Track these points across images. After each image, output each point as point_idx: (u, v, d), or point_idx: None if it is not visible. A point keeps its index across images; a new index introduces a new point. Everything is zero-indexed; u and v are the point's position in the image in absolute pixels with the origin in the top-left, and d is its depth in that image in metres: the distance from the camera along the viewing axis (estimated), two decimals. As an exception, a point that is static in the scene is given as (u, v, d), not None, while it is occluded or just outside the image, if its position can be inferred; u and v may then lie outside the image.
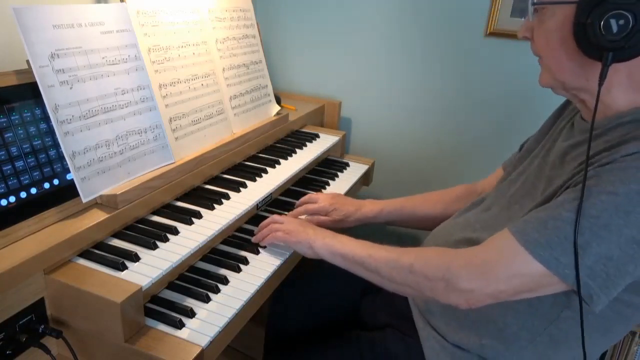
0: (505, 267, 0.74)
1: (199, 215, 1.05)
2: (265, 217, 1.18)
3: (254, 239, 1.10)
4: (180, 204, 1.10)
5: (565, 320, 0.79)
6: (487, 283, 0.75)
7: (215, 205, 1.10)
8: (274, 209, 1.26)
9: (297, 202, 1.24)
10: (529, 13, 0.80)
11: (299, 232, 1.01)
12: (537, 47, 0.80)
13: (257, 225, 1.18)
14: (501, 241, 0.76)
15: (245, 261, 1.04)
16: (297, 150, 1.46)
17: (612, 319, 0.79)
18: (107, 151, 0.97)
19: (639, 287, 0.73)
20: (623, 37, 0.67)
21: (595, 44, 0.69)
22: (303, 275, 1.25)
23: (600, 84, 0.70)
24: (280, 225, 1.06)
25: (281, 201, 1.32)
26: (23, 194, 0.85)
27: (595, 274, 0.69)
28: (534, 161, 0.90)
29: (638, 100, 0.74)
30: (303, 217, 1.20)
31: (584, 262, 0.68)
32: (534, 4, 0.77)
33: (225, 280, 0.97)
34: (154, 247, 0.93)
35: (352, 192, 1.48)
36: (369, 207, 1.21)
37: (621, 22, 0.66)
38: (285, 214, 1.18)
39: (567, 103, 0.96)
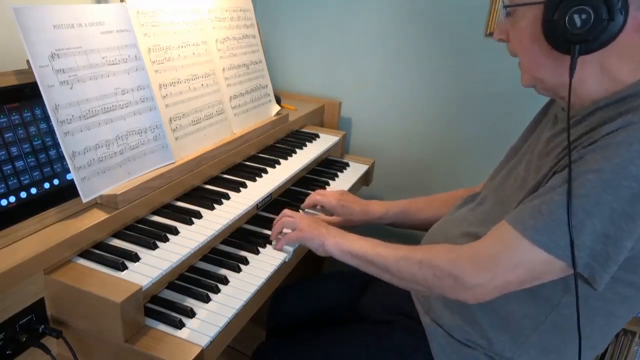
0: (509, 256, 0.76)
1: (199, 215, 1.05)
2: (266, 217, 1.19)
3: (271, 237, 1.11)
4: (180, 204, 1.10)
5: (566, 306, 0.80)
6: (494, 275, 0.77)
7: (215, 205, 1.10)
8: (274, 209, 1.26)
9: (309, 196, 1.26)
10: (502, 16, 0.84)
11: (311, 228, 1.03)
12: (513, 48, 0.85)
13: (257, 225, 1.19)
14: (501, 232, 0.78)
15: (245, 261, 1.04)
16: (297, 150, 1.46)
17: (613, 301, 0.80)
18: (107, 151, 0.97)
19: (635, 264, 0.75)
20: (587, 30, 0.72)
21: (563, 38, 0.74)
22: (303, 276, 1.26)
23: (571, 75, 0.75)
24: (292, 220, 1.08)
25: (281, 201, 1.31)
26: (23, 194, 0.85)
27: (596, 254, 0.70)
28: (523, 157, 0.92)
29: (610, 87, 0.77)
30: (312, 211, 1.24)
31: (583, 243, 0.70)
32: (505, 6, 0.82)
33: (225, 280, 0.97)
34: (154, 247, 0.93)
35: (352, 192, 1.48)
36: (375, 208, 1.23)
37: (583, 16, 0.71)
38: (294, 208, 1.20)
39: (551, 102, 0.98)
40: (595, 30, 0.71)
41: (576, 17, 0.72)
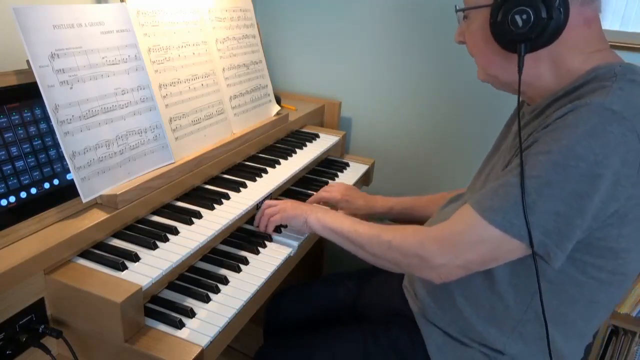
0: (469, 236, 0.79)
1: (199, 215, 1.05)
2: (265, 217, 1.19)
3: (255, 227, 1.15)
4: (180, 204, 1.10)
5: (544, 294, 0.81)
6: (456, 255, 0.81)
7: (215, 205, 1.10)
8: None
9: (316, 194, 1.30)
10: (459, 19, 0.89)
11: (294, 208, 1.08)
12: (469, 48, 0.89)
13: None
14: (463, 214, 0.82)
15: (245, 261, 1.04)
16: (297, 150, 1.46)
17: (590, 286, 0.82)
18: (107, 151, 0.97)
19: (601, 249, 0.78)
20: (528, 29, 0.76)
21: (508, 38, 0.79)
22: (301, 279, 1.27)
23: (520, 72, 0.79)
24: (275, 207, 1.11)
25: (281, 201, 1.31)
26: (23, 194, 0.85)
27: (548, 231, 0.73)
28: (502, 155, 0.94)
29: (564, 78, 0.81)
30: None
31: (536, 221, 0.73)
32: (456, 10, 0.88)
33: (225, 280, 0.97)
34: (154, 247, 0.93)
35: (352, 192, 1.48)
36: (380, 204, 1.27)
37: (524, 16, 0.76)
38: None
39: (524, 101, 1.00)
40: (537, 28, 0.75)
41: (517, 17, 0.76)
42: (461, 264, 0.81)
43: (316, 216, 1.03)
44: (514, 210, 0.74)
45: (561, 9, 0.74)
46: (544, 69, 0.82)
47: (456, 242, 0.81)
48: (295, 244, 1.11)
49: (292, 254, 1.09)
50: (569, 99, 0.77)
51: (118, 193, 0.94)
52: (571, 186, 0.71)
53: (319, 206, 1.08)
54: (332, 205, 1.28)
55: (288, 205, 1.09)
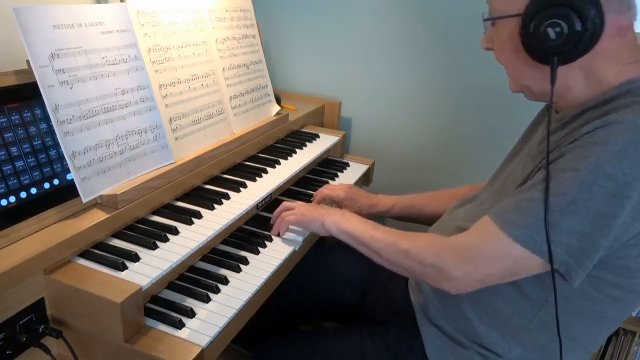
0: (489, 250, 0.77)
1: (199, 215, 1.05)
2: (266, 217, 1.19)
3: (272, 232, 1.14)
4: (180, 204, 1.10)
5: (553, 305, 0.80)
6: (474, 269, 0.79)
7: (215, 205, 1.10)
8: (274, 209, 1.26)
9: (318, 191, 1.30)
10: (486, 25, 0.85)
11: (310, 212, 1.07)
12: (498, 56, 0.86)
13: (257, 225, 1.19)
14: (483, 227, 0.80)
15: (245, 261, 1.04)
16: (297, 150, 1.46)
17: (601, 301, 0.81)
18: (107, 151, 0.97)
19: (619, 267, 0.76)
20: (562, 42, 0.73)
21: (540, 50, 0.76)
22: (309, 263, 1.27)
23: (552, 84, 0.76)
24: (293, 210, 1.11)
25: (281, 201, 1.31)
26: (23, 194, 0.85)
27: (571, 250, 0.72)
28: (522, 159, 0.93)
29: (596, 89, 0.78)
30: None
31: (559, 240, 0.72)
32: (484, 20, 0.85)
33: (225, 280, 0.97)
34: (154, 247, 0.93)
35: (352, 192, 1.48)
36: (382, 202, 1.27)
37: (557, 29, 0.72)
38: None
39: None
40: (571, 41, 0.72)
41: (550, 30, 0.73)
42: (479, 278, 0.80)
43: (333, 219, 1.02)
44: (537, 226, 0.72)
45: (596, 20, 0.71)
46: (575, 79, 0.79)
47: (474, 256, 0.79)
48: (296, 244, 1.11)
49: (292, 253, 1.09)
50: (600, 111, 0.75)
51: (118, 193, 0.94)
52: (597, 206, 0.69)
53: (334, 209, 1.07)
54: (337, 203, 1.29)
55: (305, 209, 1.08)
